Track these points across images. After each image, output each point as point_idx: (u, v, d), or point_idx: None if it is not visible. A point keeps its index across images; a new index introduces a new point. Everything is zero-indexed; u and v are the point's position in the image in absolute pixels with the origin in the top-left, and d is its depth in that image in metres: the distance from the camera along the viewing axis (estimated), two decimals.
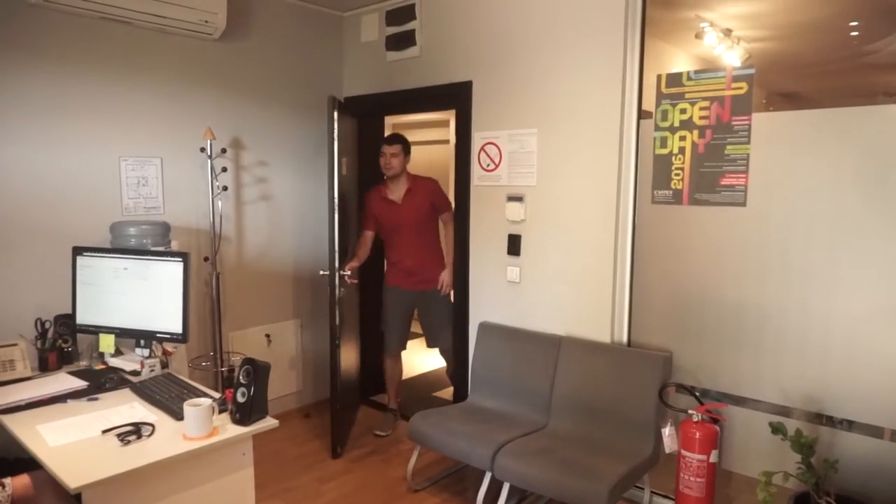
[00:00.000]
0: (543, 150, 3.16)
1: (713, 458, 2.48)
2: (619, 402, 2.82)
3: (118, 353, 2.65)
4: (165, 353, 2.64)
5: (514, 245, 3.31)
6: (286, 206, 3.99)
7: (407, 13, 3.73)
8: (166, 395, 2.18)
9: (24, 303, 2.87)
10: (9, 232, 2.84)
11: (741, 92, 2.58)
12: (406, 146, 3.70)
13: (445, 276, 3.73)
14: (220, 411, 2.03)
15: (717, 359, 2.75)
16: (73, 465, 1.69)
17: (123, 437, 1.83)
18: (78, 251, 2.60)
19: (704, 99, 2.68)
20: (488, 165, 3.39)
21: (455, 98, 3.52)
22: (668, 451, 2.62)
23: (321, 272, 3.53)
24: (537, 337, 3.18)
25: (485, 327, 3.39)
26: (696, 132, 2.72)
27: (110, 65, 3.11)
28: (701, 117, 2.70)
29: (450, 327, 3.75)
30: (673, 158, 2.80)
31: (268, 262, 3.93)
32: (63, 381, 2.35)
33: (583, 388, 2.94)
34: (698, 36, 2.89)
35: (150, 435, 1.88)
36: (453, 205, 3.70)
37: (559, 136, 3.10)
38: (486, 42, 3.36)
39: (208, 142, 3.37)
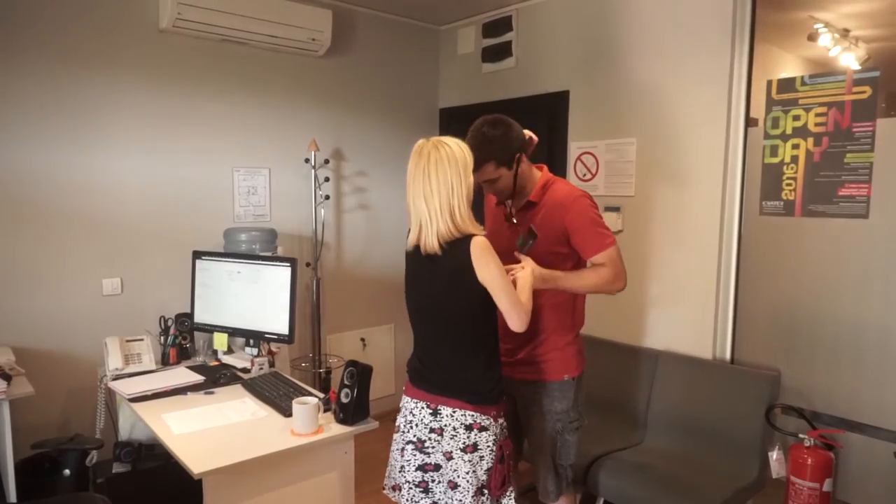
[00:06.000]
0: (642, 160, 3.09)
1: (827, 486, 2.32)
2: (721, 422, 2.70)
3: (229, 350, 2.83)
4: (270, 352, 2.79)
5: None
6: (383, 215, 4.11)
7: (504, 25, 3.76)
8: (275, 392, 2.30)
9: (149, 301, 3.13)
10: (140, 238, 3.11)
11: (864, 96, 2.42)
12: (501, 156, 1.96)
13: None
14: (325, 410, 2.12)
15: (832, 380, 2.57)
16: (196, 452, 1.82)
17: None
18: (197, 255, 2.81)
19: (821, 104, 2.53)
20: (585, 175, 3.35)
21: (551, 108, 3.51)
22: (775, 476, 2.47)
23: None
24: (633, 350, 3.09)
25: None
26: (811, 140, 2.57)
27: (227, 82, 3.35)
28: (817, 124, 2.55)
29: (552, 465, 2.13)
30: (784, 168, 2.66)
31: (364, 268, 4.06)
32: (183, 375, 2.53)
33: (682, 405, 2.84)
34: (811, 38, 2.74)
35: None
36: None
37: (660, 146, 3.02)
38: (584, 51, 3.33)
39: (312, 153, 3.54)
